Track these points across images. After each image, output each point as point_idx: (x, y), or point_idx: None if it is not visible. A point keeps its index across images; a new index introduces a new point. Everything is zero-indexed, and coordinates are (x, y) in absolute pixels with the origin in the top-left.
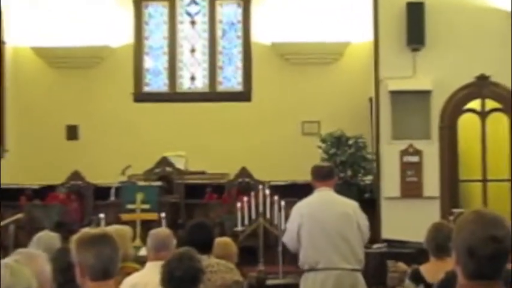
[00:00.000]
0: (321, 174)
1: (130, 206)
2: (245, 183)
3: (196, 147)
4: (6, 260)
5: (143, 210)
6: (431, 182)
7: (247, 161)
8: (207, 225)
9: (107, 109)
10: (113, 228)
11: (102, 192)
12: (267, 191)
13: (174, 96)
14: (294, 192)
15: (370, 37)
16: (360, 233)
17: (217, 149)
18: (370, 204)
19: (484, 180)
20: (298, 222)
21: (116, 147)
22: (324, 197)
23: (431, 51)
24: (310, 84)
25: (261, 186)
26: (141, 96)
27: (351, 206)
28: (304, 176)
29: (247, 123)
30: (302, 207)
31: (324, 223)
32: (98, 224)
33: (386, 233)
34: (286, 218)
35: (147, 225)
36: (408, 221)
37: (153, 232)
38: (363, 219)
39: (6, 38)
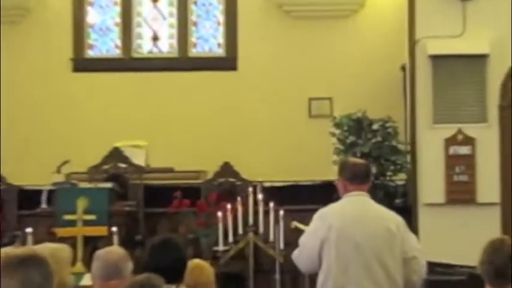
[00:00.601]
0: (359, 174)
1: (68, 217)
2: (229, 185)
3: (161, 135)
4: None
5: (87, 223)
6: (489, 182)
7: (231, 155)
8: (176, 244)
9: (36, 81)
10: (45, 248)
11: (29, 198)
12: (260, 196)
13: (129, 63)
14: (296, 197)
15: None
16: (401, 259)
17: (189, 137)
18: (403, 214)
19: None
20: (322, 237)
21: (49, 135)
22: (360, 205)
23: (487, 0)
24: (320, 47)
25: (250, 189)
26: (83, 64)
27: (395, 220)
28: (310, 174)
29: (231, 101)
30: (330, 216)
31: (358, 241)
32: (24, 242)
33: (427, 253)
34: (286, 232)
35: (93, 244)
36: (456, 237)
37: (101, 253)
38: (412, 237)
39: None
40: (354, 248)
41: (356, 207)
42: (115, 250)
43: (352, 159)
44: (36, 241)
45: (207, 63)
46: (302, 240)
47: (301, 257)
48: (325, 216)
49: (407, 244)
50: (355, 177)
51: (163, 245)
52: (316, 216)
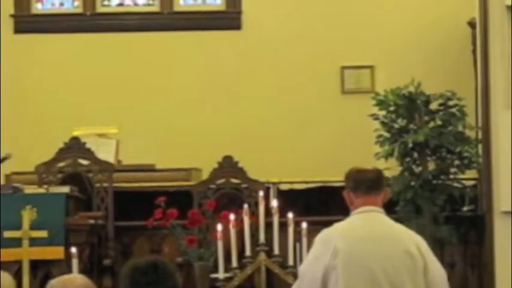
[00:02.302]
0: (363, 181)
1: (10, 234)
2: (231, 188)
3: (137, 120)
4: None
5: (35, 242)
6: None
7: (234, 146)
8: (164, 268)
9: None
10: None
11: None
12: (274, 203)
13: (91, 21)
14: (325, 203)
15: None
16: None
17: (176, 123)
18: (473, 226)
19: None
20: (327, 264)
21: None
22: (372, 222)
23: None
24: None
25: (261, 193)
26: (29, 22)
27: (414, 239)
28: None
29: (233, 72)
30: (335, 238)
31: (371, 267)
32: None
33: (505, 279)
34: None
35: (44, 270)
36: None
37: (56, 283)
38: (436, 263)
39: None
40: (366, 276)
41: (366, 226)
42: (75, 279)
43: (357, 167)
44: None
45: (200, 20)
46: (301, 269)
47: (304, 286)
48: (329, 239)
49: (432, 266)
50: (358, 185)
51: (143, 271)
52: (318, 238)
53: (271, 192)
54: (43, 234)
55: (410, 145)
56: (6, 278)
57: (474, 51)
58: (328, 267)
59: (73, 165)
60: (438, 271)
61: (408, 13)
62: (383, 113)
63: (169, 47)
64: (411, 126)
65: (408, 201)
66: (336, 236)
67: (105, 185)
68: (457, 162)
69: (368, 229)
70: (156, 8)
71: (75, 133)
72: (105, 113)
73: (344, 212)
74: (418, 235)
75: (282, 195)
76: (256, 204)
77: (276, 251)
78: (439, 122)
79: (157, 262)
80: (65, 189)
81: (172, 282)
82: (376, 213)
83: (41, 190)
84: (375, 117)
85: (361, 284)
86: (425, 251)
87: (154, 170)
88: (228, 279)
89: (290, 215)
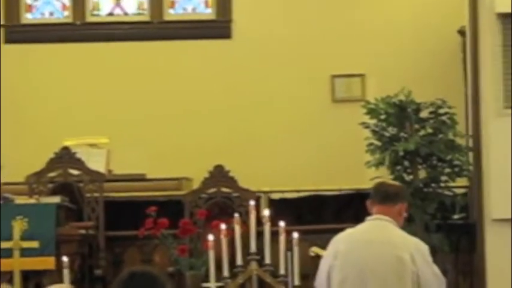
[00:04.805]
0: (381, 194)
1: (1, 245)
2: (222, 197)
3: (128, 130)
4: None
5: (26, 252)
6: None
7: (225, 156)
8: (153, 280)
9: None
10: None
11: None
12: (266, 212)
13: (82, 30)
14: (317, 212)
15: None
16: None
17: (167, 133)
18: (464, 233)
19: None
20: (329, 264)
21: None
22: (375, 229)
23: None
24: (347, 5)
25: (252, 203)
26: (19, 32)
27: (411, 247)
28: (335, 181)
29: (223, 81)
30: (339, 241)
31: (362, 269)
32: None
33: (496, 284)
34: (303, 262)
35: (35, 280)
36: None
37: None
38: (430, 275)
39: None
40: (357, 275)
41: (368, 231)
42: None
43: (384, 180)
44: None
45: (190, 30)
46: (320, 264)
47: (317, 282)
48: (336, 242)
49: (423, 274)
50: (375, 195)
51: (135, 283)
52: (332, 240)
53: (263, 201)
54: (34, 244)
55: (401, 153)
56: None
57: (464, 60)
58: (331, 266)
59: (64, 175)
60: (427, 281)
61: (398, 22)
62: (374, 121)
63: (160, 56)
64: (402, 134)
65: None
66: (341, 239)
67: (96, 194)
68: (447, 170)
69: (368, 234)
70: (146, 18)
71: (66, 143)
72: (95, 123)
73: (335, 220)
74: (423, 245)
75: (273, 204)
76: (248, 213)
77: (268, 260)
78: (429, 130)
79: (147, 273)
80: (56, 199)
81: None
82: (383, 221)
83: (32, 200)
84: (366, 125)
85: (353, 281)
86: (420, 260)
87: (145, 180)
88: None
89: (281, 224)
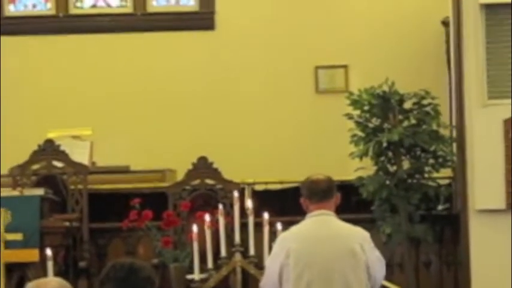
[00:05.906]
0: (317, 192)
1: None
2: (206, 189)
3: (111, 122)
4: None
5: (10, 245)
6: None
7: (209, 147)
8: (139, 271)
9: None
10: None
11: None
12: (249, 203)
13: (65, 22)
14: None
15: None
16: (367, 280)
17: (150, 125)
18: (448, 224)
19: None
20: (280, 262)
21: None
22: (322, 224)
23: None
24: None
25: (236, 194)
26: (1, 25)
27: (358, 237)
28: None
29: (207, 73)
30: (288, 239)
31: (322, 265)
32: None
33: (480, 278)
34: None
35: (19, 273)
36: None
37: (31, 286)
38: (376, 261)
39: None
40: (318, 274)
41: (316, 228)
42: (50, 282)
43: (313, 175)
44: None
45: (173, 21)
46: (266, 263)
47: (265, 282)
48: (284, 241)
49: (372, 263)
50: (312, 195)
51: (120, 276)
52: (277, 239)
53: (246, 193)
54: (18, 236)
55: (384, 144)
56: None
57: (448, 50)
58: (283, 265)
59: (47, 167)
60: (375, 266)
61: (381, 12)
62: (357, 112)
63: (143, 47)
64: (385, 125)
65: (383, 201)
66: (289, 238)
67: (80, 187)
68: (431, 161)
69: (317, 231)
70: (129, 9)
71: (50, 135)
72: (79, 115)
73: None
74: (365, 232)
75: (257, 195)
76: (232, 205)
77: (252, 251)
78: (413, 121)
79: (124, 265)
80: (40, 191)
81: (150, 285)
82: (327, 216)
83: (15, 193)
84: (349, 116)
85: (310, 278)
86: (368, 247)
87: (129, 172)
88: (203, 281)
89: (265, 215)
